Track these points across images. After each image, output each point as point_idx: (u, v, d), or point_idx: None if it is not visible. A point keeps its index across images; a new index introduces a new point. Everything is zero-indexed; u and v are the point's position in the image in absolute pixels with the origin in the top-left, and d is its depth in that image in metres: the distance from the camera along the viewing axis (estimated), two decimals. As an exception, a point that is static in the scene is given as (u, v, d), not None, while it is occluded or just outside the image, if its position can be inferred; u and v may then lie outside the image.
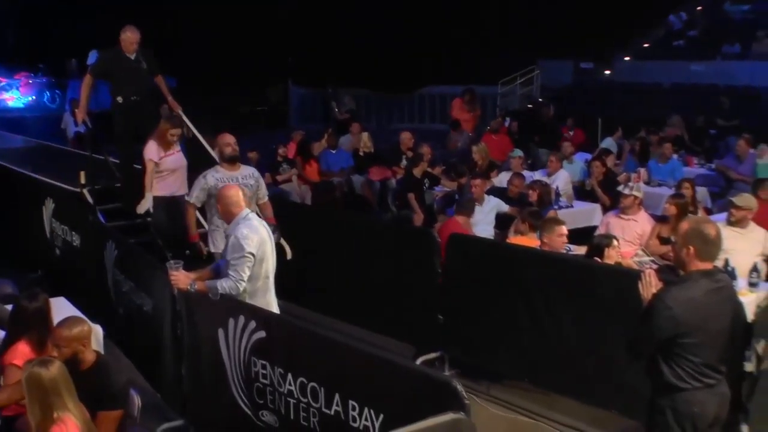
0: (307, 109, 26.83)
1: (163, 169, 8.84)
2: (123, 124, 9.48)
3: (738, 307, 5.11)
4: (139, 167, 9.18)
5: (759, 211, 8.21)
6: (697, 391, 4.53)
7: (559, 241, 7.61)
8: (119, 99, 9.39)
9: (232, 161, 7.80)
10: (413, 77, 26.62)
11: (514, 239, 8.45)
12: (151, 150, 8.78)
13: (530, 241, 7.95)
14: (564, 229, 7.64)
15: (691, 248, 4.56)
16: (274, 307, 6.33)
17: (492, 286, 7.20)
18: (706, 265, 4.59)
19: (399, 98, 27.23)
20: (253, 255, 5.98)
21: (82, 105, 9.59)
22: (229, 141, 7.86)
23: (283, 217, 7.85)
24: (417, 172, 12.15)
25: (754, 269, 7.17)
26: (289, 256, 7.67)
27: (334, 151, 14.51)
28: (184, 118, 10.23)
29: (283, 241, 7.74)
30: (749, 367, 5.51)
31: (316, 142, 14.84)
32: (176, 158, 8.94)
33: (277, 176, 13.33)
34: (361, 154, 14.64)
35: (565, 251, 8.28)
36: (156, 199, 8.87)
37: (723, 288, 4.66)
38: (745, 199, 8.16)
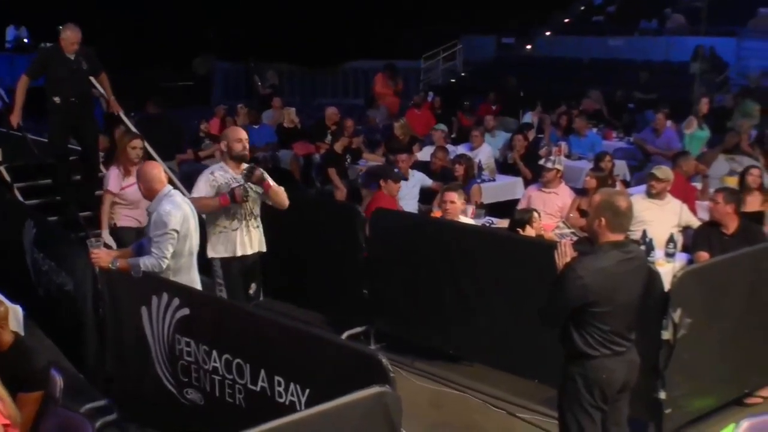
0: (231, 85, 26.56)
1: (124, 200, 7.89)
2: (60, 126, 9.17)
3: (650, 277, 5.25)
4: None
5: (674, 183, 8.44)
6: (606, 359, 4.65)
7: (444, 207, 7.66)
8: (56, 99, 9.01)
9: (240, 160, 6.80)
10: (337, 52, 26.55)
11: (438, 213, 8.51)
12: (112, 179, 7.87)
13: (454, 214, 8.01)
14: (451, 196, 7.62)
15: (603, 220, 4.66)
16: (197, 284, 6.28)
17: (416, 260, 7.25)
18: (617, 237, 4.69)
19: (323, 73, 27.13)
20: (176, 232, 5.91)
21: (17, 108, 9.16)
22: (240, 136, 6.87)
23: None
24: (338, 147, 12.13)
25: (671, 240, 7.35)
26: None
27: (257, 127, 14.38)
28: (124, 118, 10.04)
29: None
30: (666, 335, 5.66)
31: (230, 118, 14.71)
32: (136, 189, 7.96)
33: (200, 152, 13.19)
34: (286, 126, 14.54)
35: (488, 224, 8.42)
36: (123, 231, 7.87)
37: (634, 259, 4.77)
38: (665, 172, 8.38)
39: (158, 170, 6.19)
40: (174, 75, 25.49)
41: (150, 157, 8.99)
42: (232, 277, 6.70)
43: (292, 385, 4.71)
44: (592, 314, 4.59)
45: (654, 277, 5.62)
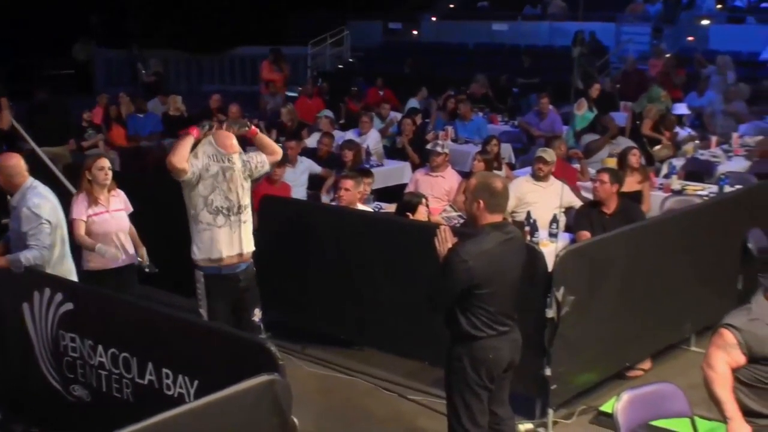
0: (114, 72, 25.92)
1: (90, 232, 6.47)
2: None
3: (533, 257, 5.38)
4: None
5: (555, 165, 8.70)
6: (491, 339, 4.74)
7: (338, 194, 7.70)
8: None
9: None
10: (223, 38, 26.21)
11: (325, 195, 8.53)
12: (76, 206, 6.49)
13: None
14: (346, 183, 7.64)
15: (481, 202, 4.74)
16: (73, 273, 6.14)
17: (306, 247, 7.24)
18: (495, 218, 4.78)
19: (208, 60, 26.78)
20: (49, 222, 5.77)
21: None
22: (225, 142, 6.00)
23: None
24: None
25: (554, 220, 7.52)
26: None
27: (141, 115, 14.11)
28: (16, 124, 9.68)
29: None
30: (550, 313, 5.80)
31: (114, 106, 14.42)
32: (106, 218, 6.54)
33: (83, 142, 12.88)
34: (171, 114, 14.31)
35: (377, 209, 8.47)
36: (97, 276, 6.52)
37: (513, 239, 4.86)
38: (552, 154, 8.61)
39: (18, 161, 5.97)
40: (54, 62, 24.71)
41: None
42: (214, 296, 6.00)
43: (180, 377, 4.67)
44: (477, 296, 4.67)
45: (537, 256, 5.77)
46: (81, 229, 6.39)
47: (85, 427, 5.44)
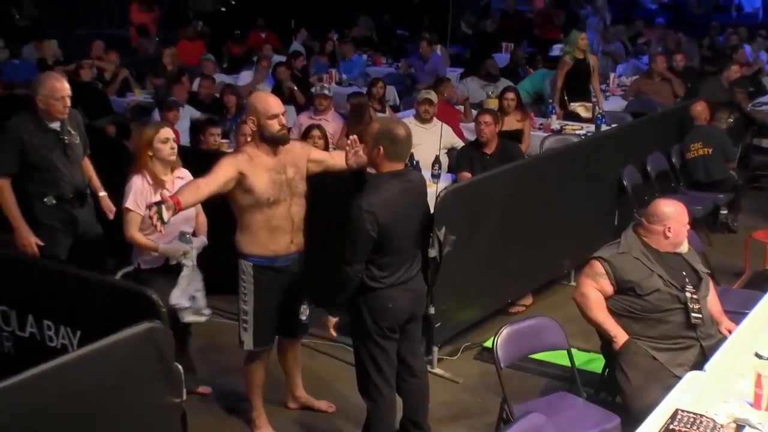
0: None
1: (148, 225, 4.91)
2: None
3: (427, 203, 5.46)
4: None
5: (438, 107, 8.81)
6: (390, 289, 4.69)
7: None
8: None
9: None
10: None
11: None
12: (135, 193, 5.23)
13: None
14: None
15: (381, 148, 4.64)
16: None
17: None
18: (395, 166, 4.71)
19: (82, 2, 25.79)
20: None
21: None
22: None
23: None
24: (85, 75, 11.93)
25: (437, 161, 7.61)
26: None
27: (17, 61, 13.60)
28: None
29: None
30: (432, 253, 5.90)
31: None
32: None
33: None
34: (50, 63, 13.82)
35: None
36: (146, 275, 5.43)
37: (414, 186, 4.83)
38: (435, 96, 8.71)
39: None
40: None
41: None
42: (263, 290, 5.16)
43: (62, 329, 4.59)
44: (378, 246, 4.60)
45: (426, 202, 5.85)
46: (135, 226, 5.24)
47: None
